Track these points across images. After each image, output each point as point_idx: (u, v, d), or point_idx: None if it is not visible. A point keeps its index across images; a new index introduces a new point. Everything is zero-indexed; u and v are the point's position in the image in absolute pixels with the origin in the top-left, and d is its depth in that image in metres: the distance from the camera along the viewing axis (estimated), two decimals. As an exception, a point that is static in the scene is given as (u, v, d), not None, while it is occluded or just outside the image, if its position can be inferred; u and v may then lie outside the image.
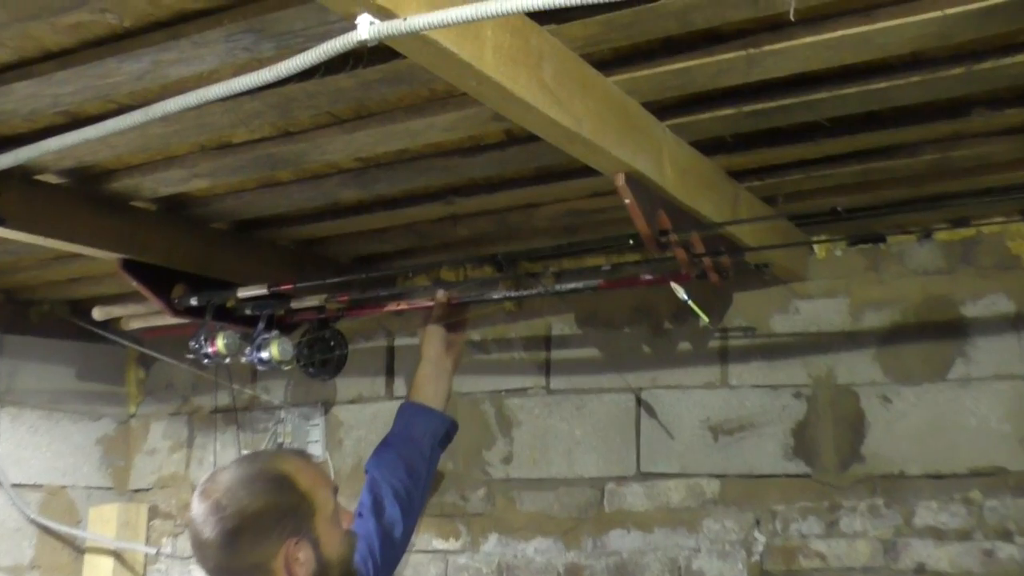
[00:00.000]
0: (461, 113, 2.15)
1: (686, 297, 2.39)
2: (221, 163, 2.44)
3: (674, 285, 2.40)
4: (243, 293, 2.86)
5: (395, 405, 3.54)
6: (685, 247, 2.37)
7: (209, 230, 2.96)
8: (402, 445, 2.39)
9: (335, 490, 1.92)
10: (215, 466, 3.67)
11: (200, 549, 1.83)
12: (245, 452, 3.65)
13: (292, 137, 2.32)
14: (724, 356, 3.08)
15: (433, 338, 2.55)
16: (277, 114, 2.17)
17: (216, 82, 1.62)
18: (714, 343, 3.09)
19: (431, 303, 2.61)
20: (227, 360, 2.83)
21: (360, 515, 2.22)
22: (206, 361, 2.86)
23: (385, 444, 2.40)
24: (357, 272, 3.27)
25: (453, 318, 2.59)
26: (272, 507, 1.81)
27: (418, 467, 2.37)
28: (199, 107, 1.70)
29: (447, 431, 2.48)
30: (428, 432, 2.42)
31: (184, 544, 3.82)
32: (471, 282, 3.04)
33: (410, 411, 2.47)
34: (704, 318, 2.53)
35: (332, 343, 3.10)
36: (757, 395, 3.02)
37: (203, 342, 2.83)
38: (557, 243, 2.86)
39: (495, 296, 2.81)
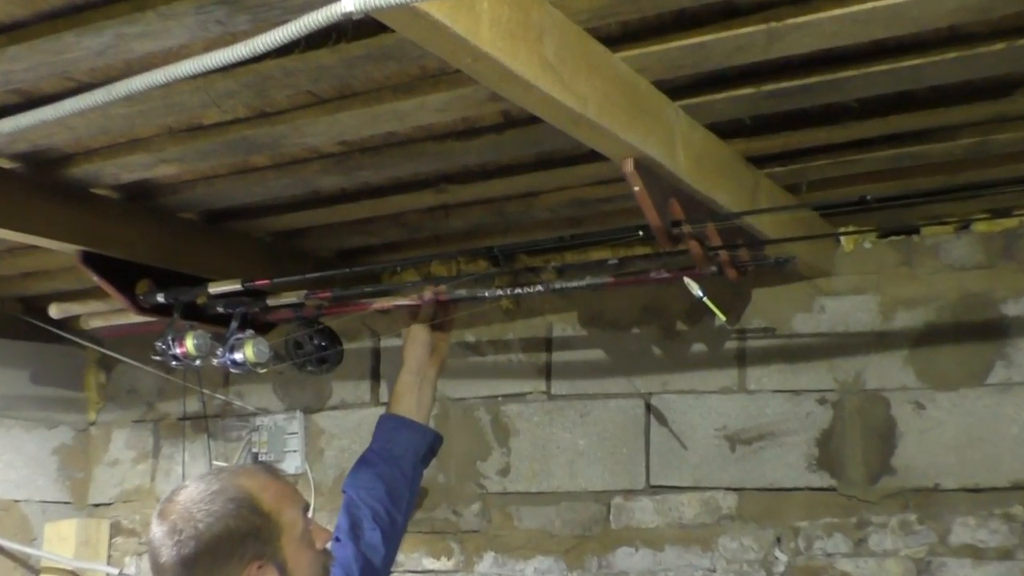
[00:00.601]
0: (454, 93, 2.15)
1: (701, 294, 2.40)
2: (190, 147, 2.44)
3: (687, 281, 2.40)
4: (214, 289, 2.86)
5: (379, 411, 3.57)
6: (700, 240, 2.38)
7: (177, 220, 2.95)
8: (382, 463, 2.39)
9: (306, 508, 1.93)
10: (183, 478, 3.68)
11: (158, 574, 1.85)
12: (215, 464, 3.66)
13: (269, 119, 2.32)
14: (742, 358, 3.08)
15: (416, 341, 2.55)
16: (252, 94, 2.17)
17: (185, 58, 1.61)
18: (731, 344, 3.10)
19: (419, 301, 2.62)
20: (197, 362, 2.83)
21: (337, 539, 2.22)
22: (174, 363, 2.87)
23: (363, 461, 2.40)
24: (339, 267, 3.27)
25: (441, 318, 2.59)
26: (231, 530, 1.82)
27: (399, 487, 2.37)
28: (166, 86, 1.69)
29: (431, 446, 2.48)
30: (410, 448, 2.42)
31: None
32: (464, 278, 3.04)
33: (390, 424, 2.47)
34: (721, 317, 2.53)
35: (323, 344, 3.11)
36: (778, 401, 3.02)
37: (170, 342, 2.83)
38: (559, 235, 2.86)
39: (491, 293, 2.81)
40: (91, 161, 2.56)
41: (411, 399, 2.48)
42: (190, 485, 1.89)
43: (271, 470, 1.98)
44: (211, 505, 1.83)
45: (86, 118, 2.26)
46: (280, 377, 3.70)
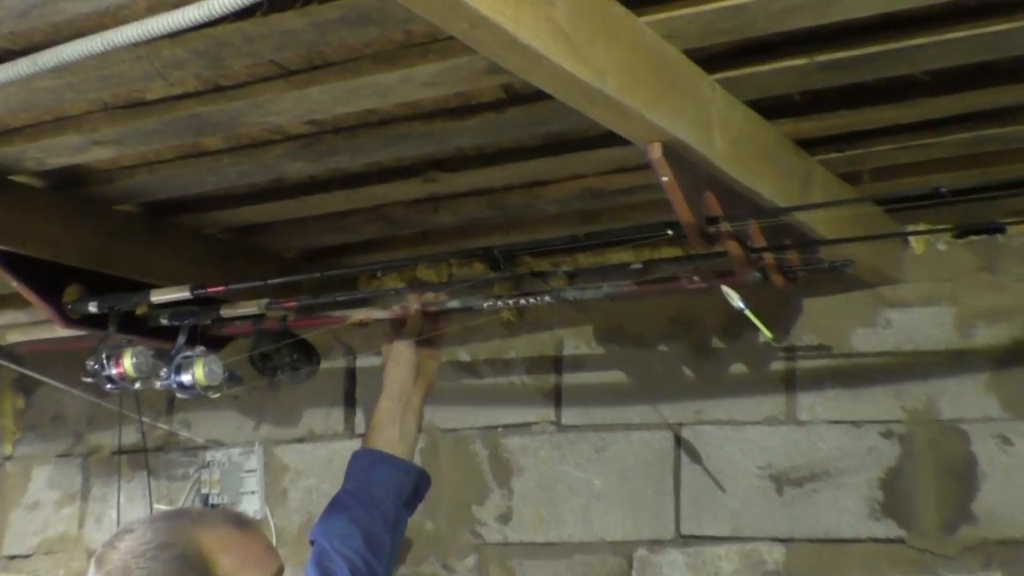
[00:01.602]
0: (446, 64, 2.16)
1: (742, 305, 2.40)
2: (130, 127, 2.45)
3: (725, 289, 2.41)
4: (158, 297, 2.86)
5: (356, 444, 3.56)
6: (740, 240, 2.38)
7: (114, 214, 2.96)
8: (358, 506, 2.36)
9: (280, 571, 1.92)
10: (118, 524, 3.69)
11: None
12: (163, 508, 3.66)
13: (224, 93, 2.32)
14: (791, 382, 3.09)
15: (398, 361, 2.54)
16: (205, 63, 2.18)
17: (125, 21, 1.62)
18: (778, 365, 3.11)
19: (403, 313, 2.62)
20: (136, 385, 2.82)
21: None
22: (108, 386, 2.85)
23: (336, 504, 2.39)
24: (308, 270, 3.27)
25: (428, 333, 2.59)
26: None
27: (380, 535, 2.35)
28: (103, 54, 1.71)
29: (416, 486, 2.47)
30: (391, 489, 2.40)
31: (77, 628, 3.83)
32: (457, 284, 3.05)
33: (367, 460, 2.46)
34: (766, 333, 2.54)
35: (294, 357, 3.12)
36: (834, 434, 3.03)
37: (104, 361, 2.82)
38: (571, 233, 2.87)
39: (489, 303, 2.81)
40: (10, 143, 2.56)
41: (393, 430, 2.48)
42: (137, 530, 1.87)
43: (241, 522, 1.93)
44: (153, 562, 1.82)
45: (4, 92, 2.26)
46: (236, 403, 3.71)
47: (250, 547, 1.87)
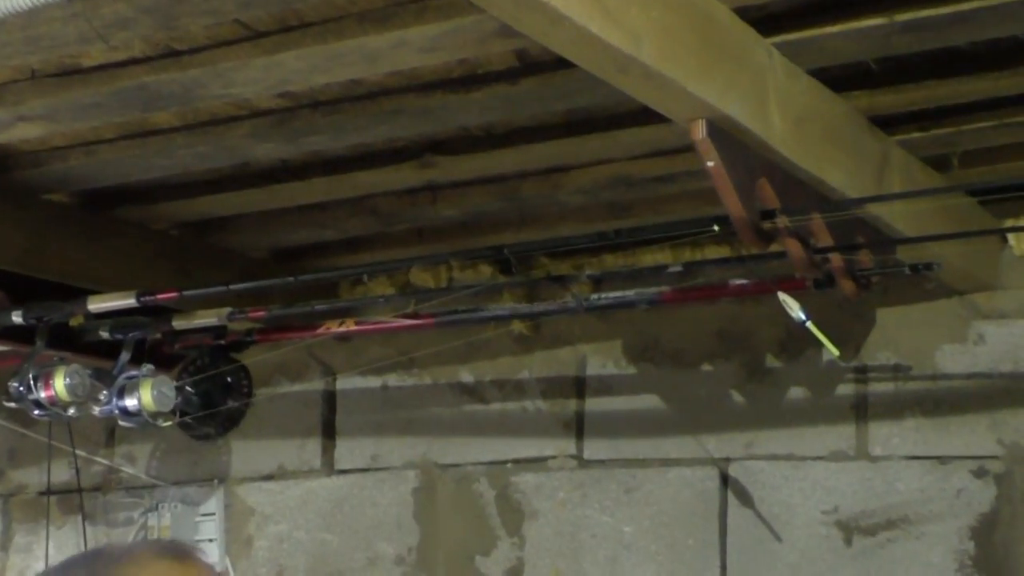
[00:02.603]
0: (448, 24, 2.15)
1: (803, 317, 2.40)
2: (63, 99, 2.45)
3: (783, 297, 2.41)
4: (97, 305, 2.86)
5: (336, 483, 3.58)
6: (802, 237, 2.38)
7: (43, 206, 2.97)
8: None
9: None
10: (48, 579, 3.69)
11: None
12: (104, 544, 3.66)
13: (178, 60, 2.32)
14: (862, 410, 3.09)
15: None
16: (155, 22, 2.18)
17: (60, -27, 1.62)
18: (846, 390, 3.10)
19: (398, 323, 2.62)
20: (70, 411, 2.83)
21: None
22: (36, 412, 2.86)
23: None
24: (278, 273, 3.27)
25: None
26: None
27: None
28: (29, 11, 1.71)
29: None
30: None
31: None
32: (459, 290, 3.05)
33: None
34: (832, 350, 2.54)
35: (229, 381, 3.11)
36: (915, 472, 3.03)
37: (31, 383, 2.83)
38: (597, 230, 2.87)
39: (497, 312, 2.82)
40: (-82, 119, 2.57)
41: None
42: (61, 571, 1.87)
43: (179, 553, 1.87)
44: None
45: (-88, 58, 2.28)
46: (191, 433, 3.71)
47: None
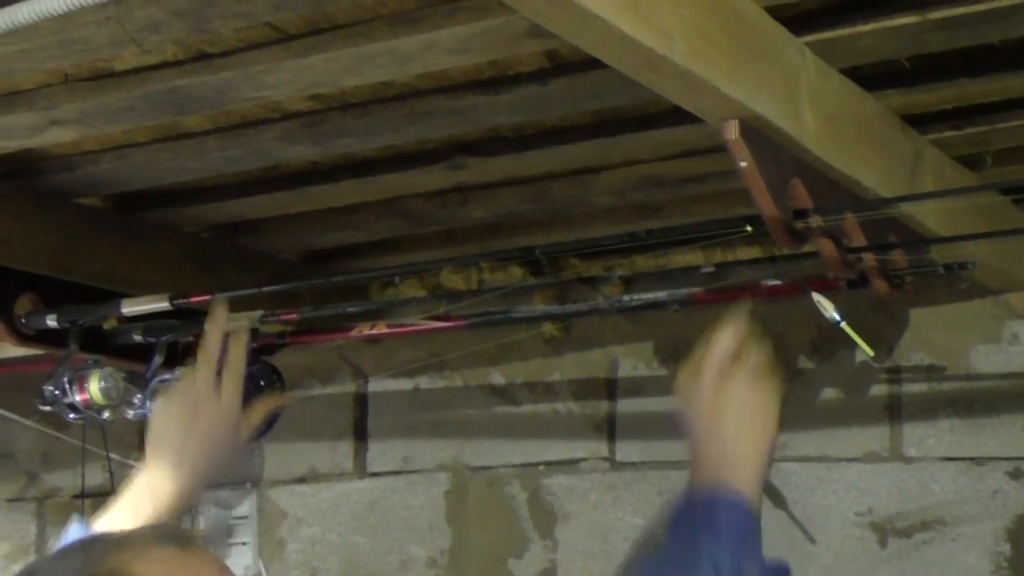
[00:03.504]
0: (478, 25, 2.15)
1: (837, 317, 2.39)
2: (96, 103, 2.45)
3: (817, 297, 2.40)
4: (130, 308, 2.85)
5: (368, 485, 3.58)
6: (835, 237, 2.38)
7: (75, 209, 2.97)
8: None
9: None
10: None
11: None
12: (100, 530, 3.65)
13: (210, 63, 2.33)
14: (896, 411, 3.08)
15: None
16: (187, 25, 2.18)
17: (92, -24, 1.62)
18: (880, 390, 3.10)
19: (433, 324, 2.61)
20: (105, 414, 2.82)
21: None
22: (71, 416, 2.85)
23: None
24: (308, 275, 3.27)
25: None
26: None
27: None
28: (64, 16, 1.71)
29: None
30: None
31: None
32: (489, 292, 3.05)
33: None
34: (867, 350, 2.53)
35: (262, 384, 3.12)
36: (950, 473, 3.02)
37: (66, 386, 2.82)
38: (627, 231, 2.87)
39: (528, 314, 2.81)
40: (-49, 123, 2.58)
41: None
42: (41, 570, 1.83)
43: (182, 539, 1.80)
44: None
45: (-54, 62, 2.29)
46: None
47: (198, 571, 1.77)
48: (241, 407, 2.43)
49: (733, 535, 1.95)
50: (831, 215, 2.33)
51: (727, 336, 2.12)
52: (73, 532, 2.30)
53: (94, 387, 2.77)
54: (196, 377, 2.42)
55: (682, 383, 2.10)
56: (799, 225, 2.30)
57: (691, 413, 2.07)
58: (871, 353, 2.60)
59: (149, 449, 2.41)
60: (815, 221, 2.31)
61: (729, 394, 2.06)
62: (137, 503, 2.38)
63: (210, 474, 2.42)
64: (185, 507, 2.39)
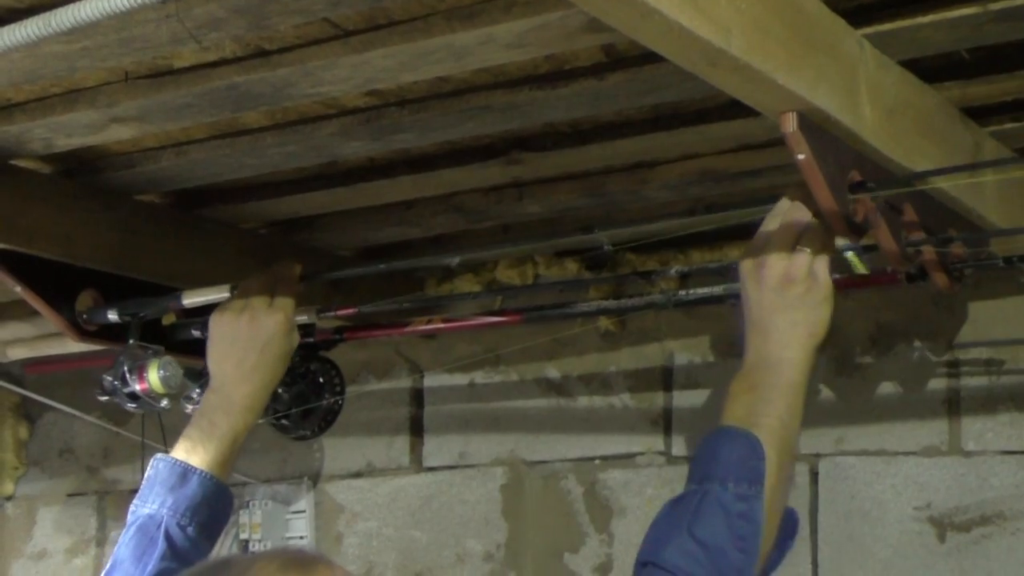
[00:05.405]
0: (535, 20, 2.15)
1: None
2: (155, 100, 2.46)
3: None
4: (190, 299, 2.84)
5: (424, 480, 3.59)
6: (894, 230, 2.37)
7: (135, 206, 2.99)
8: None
9: None
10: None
11: None
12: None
13: (268, 60, 2.33)
14: (954, 405, 3.07)
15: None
16: (246, 22, 2.19)
17: (152, -26, 1.63)
18: (938, 384, 3.08)
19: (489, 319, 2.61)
20: (163, 404, 2.81)
21: None
22: (130, 406, 2.84)
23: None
24: (365, 270, 3.29)
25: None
26: None
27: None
28: (124, 13, 1.72)
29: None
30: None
31: None
32: (546, 286, 3.05)
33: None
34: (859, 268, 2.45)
35: (321, 381, 3.12)
36: (1009, 468, 3.01)
37: (126, 376, 2.82)
38: (683, 224, 2.86)
39: (584, 308, 2.81)
40: (12, 120, 2.59)
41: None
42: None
43: (305, 563, 1.74)
44: None
45: (8, 59, 2.29)
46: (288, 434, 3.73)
47: None
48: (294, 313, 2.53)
49: (737, 468, 2.09)
50: (888, 203, 2.32)
51: (794, 217, 2.23)
52: (161, 466, 2.42)
53: (153, 375, 2.77)
54: (249, 289, 2.48)
55: (747, 267, 2.22)
56: (858, 218, 2.29)
57: (749, 299, 2.23)
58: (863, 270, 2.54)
59: (211, 366, 2.51)
60: (874, 213, 2.30)
61: (786, 289, 2.20)
62: (212, 422, 2.50)
63: (273, 380, 2.49)
64: (257, 415, 2.49)
